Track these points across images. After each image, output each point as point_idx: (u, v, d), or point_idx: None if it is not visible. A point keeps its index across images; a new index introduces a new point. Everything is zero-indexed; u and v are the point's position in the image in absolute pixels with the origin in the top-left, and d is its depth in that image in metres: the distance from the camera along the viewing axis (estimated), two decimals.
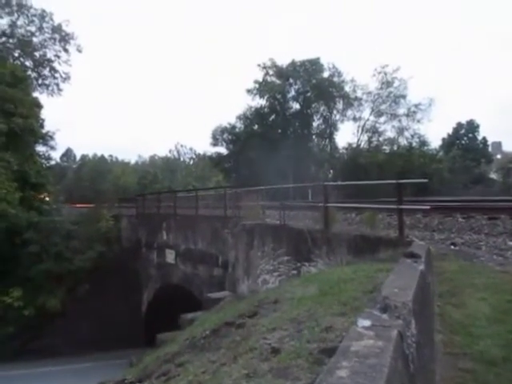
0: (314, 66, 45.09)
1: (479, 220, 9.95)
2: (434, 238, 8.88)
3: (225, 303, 11.17)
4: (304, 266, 9.91)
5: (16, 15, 35.10)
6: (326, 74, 45.76)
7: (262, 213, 13.71)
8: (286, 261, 10.67)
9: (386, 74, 43.58)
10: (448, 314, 4.10)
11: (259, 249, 12.29)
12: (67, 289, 22.69)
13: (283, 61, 45.93)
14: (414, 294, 2.71)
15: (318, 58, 45.31)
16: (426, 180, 13.71)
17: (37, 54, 36.32)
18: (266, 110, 45.78)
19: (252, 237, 12.82)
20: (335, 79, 45.66)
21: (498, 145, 65.13)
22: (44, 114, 30.27)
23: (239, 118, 46.41)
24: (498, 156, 60.17)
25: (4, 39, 35.01)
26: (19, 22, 35.36)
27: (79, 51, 36.77)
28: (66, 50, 36.39)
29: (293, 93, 46.29)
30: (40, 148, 31.20)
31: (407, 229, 8.78)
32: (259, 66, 45.80)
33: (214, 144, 47.47)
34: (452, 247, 7.81)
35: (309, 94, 45.33)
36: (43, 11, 35.62)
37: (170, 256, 20.40)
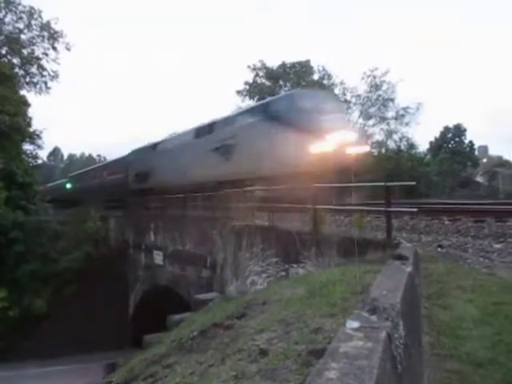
0: (303, 68, 45.19)
1: (465, 222, 10.04)
2: (422, 240, 8.95)
3: (213, 304, 11.11)
4: (292, 268, 9.90)
5: (4, 12, 34.59)
6: (315, 77, 45.85)
7: (252, 214, 13.68)
8: (275, 262, 10.65)
9: (375, 77, 43.76)
10: (435, 315, 4.13)
11: (248, 250, 12.25)
12: (54, 290, 22.42)
13: (273, 62, 45.98)
14: (402, 296, 2.73)
15: (308, 61, 45.41)
16: (413, 183, 13.76)
17: (25, 51, 35.75)
18: None
19: (241, 238, 12.76)
20: (325, 82, 45.72)
21: (484, 149, 65.90)
22: (31, 112, 29.91)
23: None
24: (484, 160, 60.87)
25: None
26: (7, 19, 34.85)
27: (68, 49, 36.24)
28: (54, 48, 35.87)
29: None
30: (27, 147, 30.77)
31: (395, 231, 8.82)
32: (249, 67, 45.80)
33: None
34: (439, 249, 7.88)
35: None
36: (32, 8, 35.18)
37: (158, 257, 20.24)
